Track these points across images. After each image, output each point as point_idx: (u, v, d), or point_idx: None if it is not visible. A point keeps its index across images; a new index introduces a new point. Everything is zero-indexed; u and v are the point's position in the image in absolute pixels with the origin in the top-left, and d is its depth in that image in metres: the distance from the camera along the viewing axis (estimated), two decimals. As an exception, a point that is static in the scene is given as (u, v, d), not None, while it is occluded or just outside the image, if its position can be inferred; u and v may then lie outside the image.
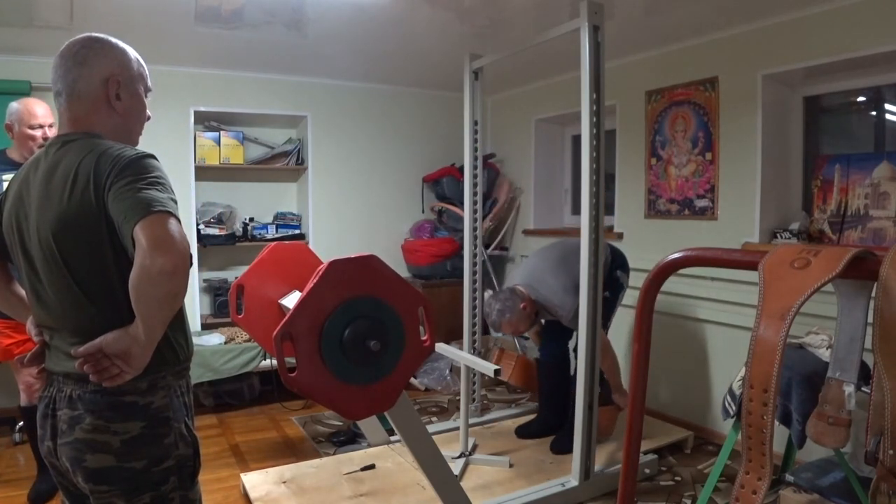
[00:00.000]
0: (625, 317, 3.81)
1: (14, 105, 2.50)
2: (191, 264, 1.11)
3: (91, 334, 1.10)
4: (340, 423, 3.49)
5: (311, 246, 4.18)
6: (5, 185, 2.36)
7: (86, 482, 1.15)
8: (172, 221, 1.06)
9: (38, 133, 2.47)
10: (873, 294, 0.72)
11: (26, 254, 1.20)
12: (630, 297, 3.74)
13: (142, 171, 1.11)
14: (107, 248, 1.13)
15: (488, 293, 4.08)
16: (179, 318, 1.24)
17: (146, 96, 1.31)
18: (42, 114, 2.50)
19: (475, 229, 3.36)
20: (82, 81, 1.20)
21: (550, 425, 3.15)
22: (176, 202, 1.12)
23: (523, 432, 3.21)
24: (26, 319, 1.30)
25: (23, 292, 1.29)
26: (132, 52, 1.28)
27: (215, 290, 4.16)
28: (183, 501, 1.23)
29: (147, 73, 1.31)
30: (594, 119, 2.45)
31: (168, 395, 1.21)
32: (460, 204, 3.87)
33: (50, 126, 2.52)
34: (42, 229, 1.14)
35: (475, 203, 3.36)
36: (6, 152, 2.60)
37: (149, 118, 1.33)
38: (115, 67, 1.23)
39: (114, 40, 1.25)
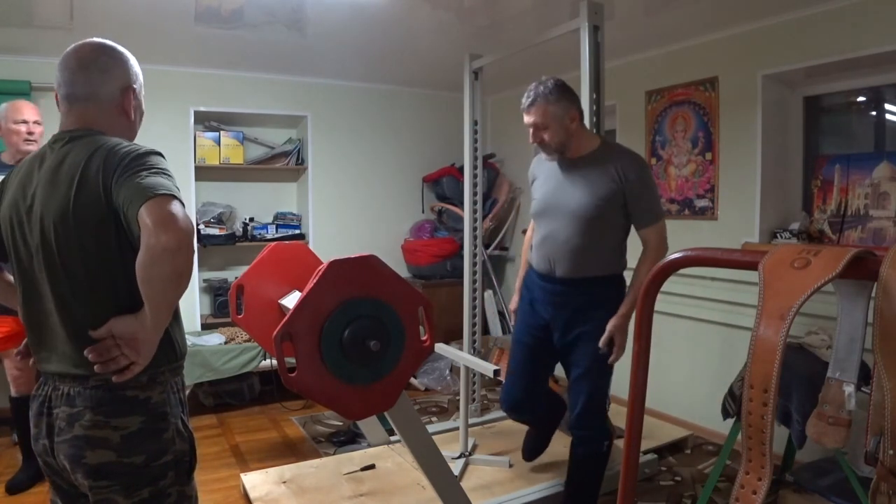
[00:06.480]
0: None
1: (1, 105, 2.65)
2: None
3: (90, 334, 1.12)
4: (340, 423, 3.49)
5: (311, 246, 4.18)
6: None
7: (85, 479, 1.15)
8: (176, 203, 1.08)
9: (22, 128, 2.60)
10: (873, 294, 0.72)
11: (27, 247, 1.20)
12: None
13: (148, 163, 1.15)
14: (112, 245, 1.14)
15: (488, 293, 4.09)
16: (176, 316, 1.25)
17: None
18: (27, 111, 2.63)
19: (475, 229, 3.36)
20: (104, 88, 1.25)
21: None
22: (179, 191, 1.14)
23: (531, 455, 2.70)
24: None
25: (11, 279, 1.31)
26: (134, 58, 1.34)
27: (215, 290, 4.16)
28: (180, 496, 1.24)
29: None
30: (594, 119, 2.45)
31: (165, 390, 1.22)
32: (460, 204, 3.87)
33: (35, 122, 2.63)
34: (46, 221, 1.15)
35: (475, 203, 3.36)
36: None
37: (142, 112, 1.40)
38: (131, 76, 1.30)
39: (121, 48, 1.31)
